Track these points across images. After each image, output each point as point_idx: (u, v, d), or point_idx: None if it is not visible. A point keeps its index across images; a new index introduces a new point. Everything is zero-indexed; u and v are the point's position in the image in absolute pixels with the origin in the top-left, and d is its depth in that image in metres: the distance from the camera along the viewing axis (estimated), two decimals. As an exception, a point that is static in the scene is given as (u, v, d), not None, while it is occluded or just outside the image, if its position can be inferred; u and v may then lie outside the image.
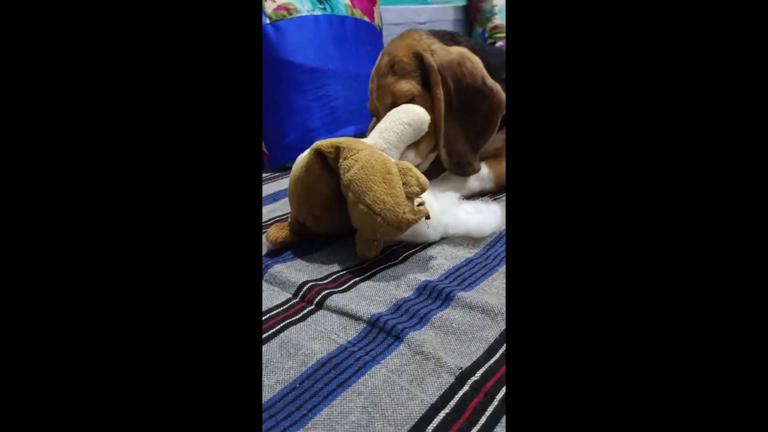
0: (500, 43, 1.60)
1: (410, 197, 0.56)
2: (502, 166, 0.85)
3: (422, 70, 0.75)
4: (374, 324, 0.47)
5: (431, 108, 0.73)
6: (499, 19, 1.62)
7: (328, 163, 0.63)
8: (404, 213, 0.55)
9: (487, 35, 1.65)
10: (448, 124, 0.75)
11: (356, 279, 0.57)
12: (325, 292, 0.53)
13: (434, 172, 0.81)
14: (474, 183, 0.81)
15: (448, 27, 1.74)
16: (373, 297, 0.53)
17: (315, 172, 0.63)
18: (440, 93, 0.73)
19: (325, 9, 1.08)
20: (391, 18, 1.52)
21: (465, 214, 0.67)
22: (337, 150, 0.60)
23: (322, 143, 0.62)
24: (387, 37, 1.45)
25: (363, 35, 1.15)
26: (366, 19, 1.18)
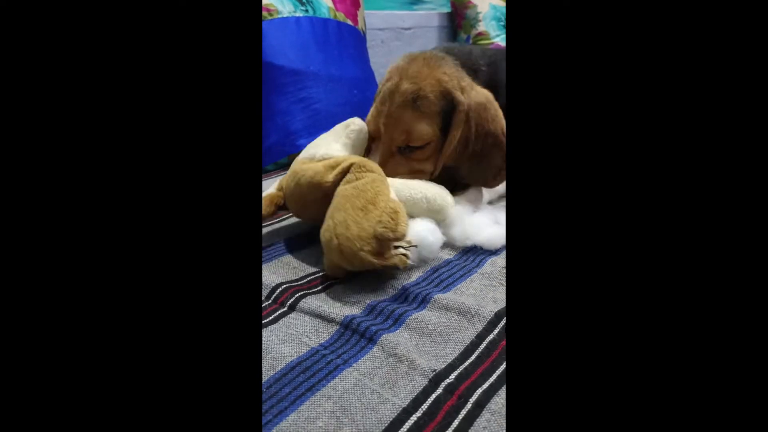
0: (484, 50, 1.61)
1: (381, 238, 0.51)
2: None
3: (445, 112, 0.67)
4: (347, 326, 0.46)
5: (439, 148, 0.69)
6: (483, 26, 1.63)
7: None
8: (361, 248, 0.50)
9: (471, 42, 1.65)
10: (457, 165, 0.70)
11: (332, 281, 0.56)
12: (299, 294, 0.52)
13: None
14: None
15: (433, 33, 1.74)
16: (347, 299, 0.51)
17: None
18: (456, 135, 0.67)
19: (307, 11, 1.07)
20: (375, 23, 1.51)
21: (472, 227, 0.64)
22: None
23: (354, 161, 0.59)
24: (371, 42, 1.45)
25: (346, 38, 1.15)
26: (349, 22, 1.18)
